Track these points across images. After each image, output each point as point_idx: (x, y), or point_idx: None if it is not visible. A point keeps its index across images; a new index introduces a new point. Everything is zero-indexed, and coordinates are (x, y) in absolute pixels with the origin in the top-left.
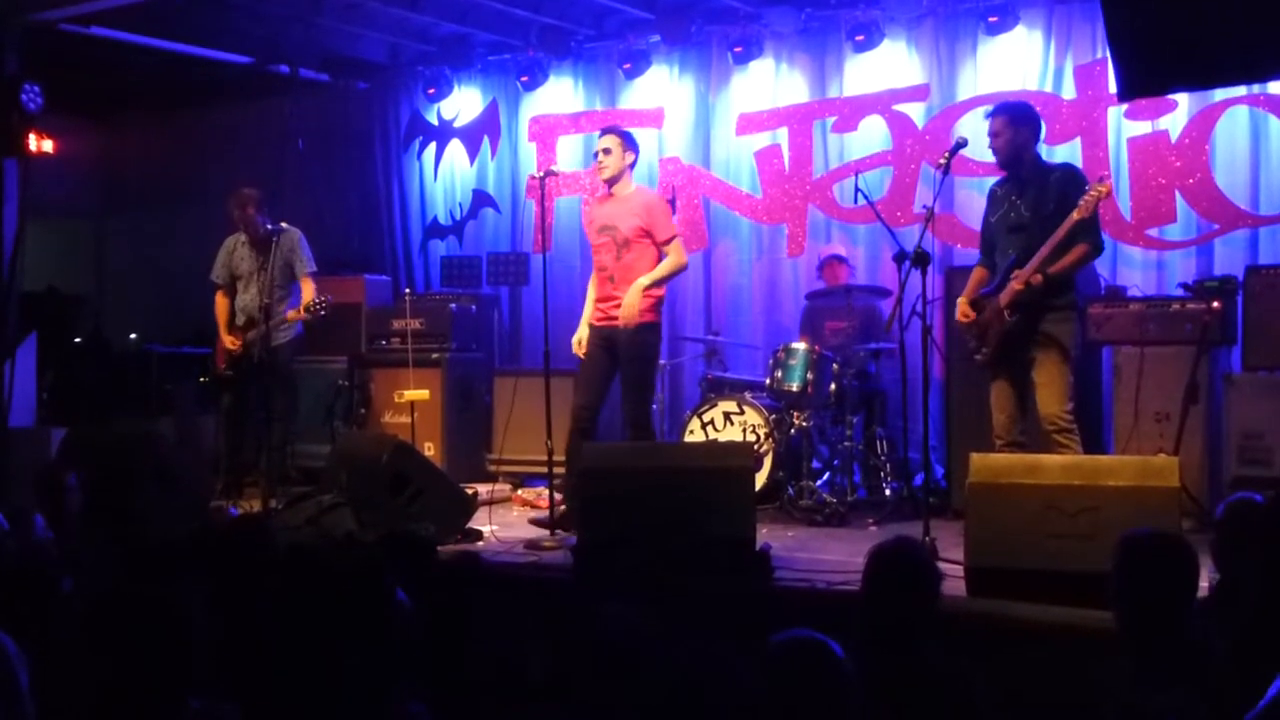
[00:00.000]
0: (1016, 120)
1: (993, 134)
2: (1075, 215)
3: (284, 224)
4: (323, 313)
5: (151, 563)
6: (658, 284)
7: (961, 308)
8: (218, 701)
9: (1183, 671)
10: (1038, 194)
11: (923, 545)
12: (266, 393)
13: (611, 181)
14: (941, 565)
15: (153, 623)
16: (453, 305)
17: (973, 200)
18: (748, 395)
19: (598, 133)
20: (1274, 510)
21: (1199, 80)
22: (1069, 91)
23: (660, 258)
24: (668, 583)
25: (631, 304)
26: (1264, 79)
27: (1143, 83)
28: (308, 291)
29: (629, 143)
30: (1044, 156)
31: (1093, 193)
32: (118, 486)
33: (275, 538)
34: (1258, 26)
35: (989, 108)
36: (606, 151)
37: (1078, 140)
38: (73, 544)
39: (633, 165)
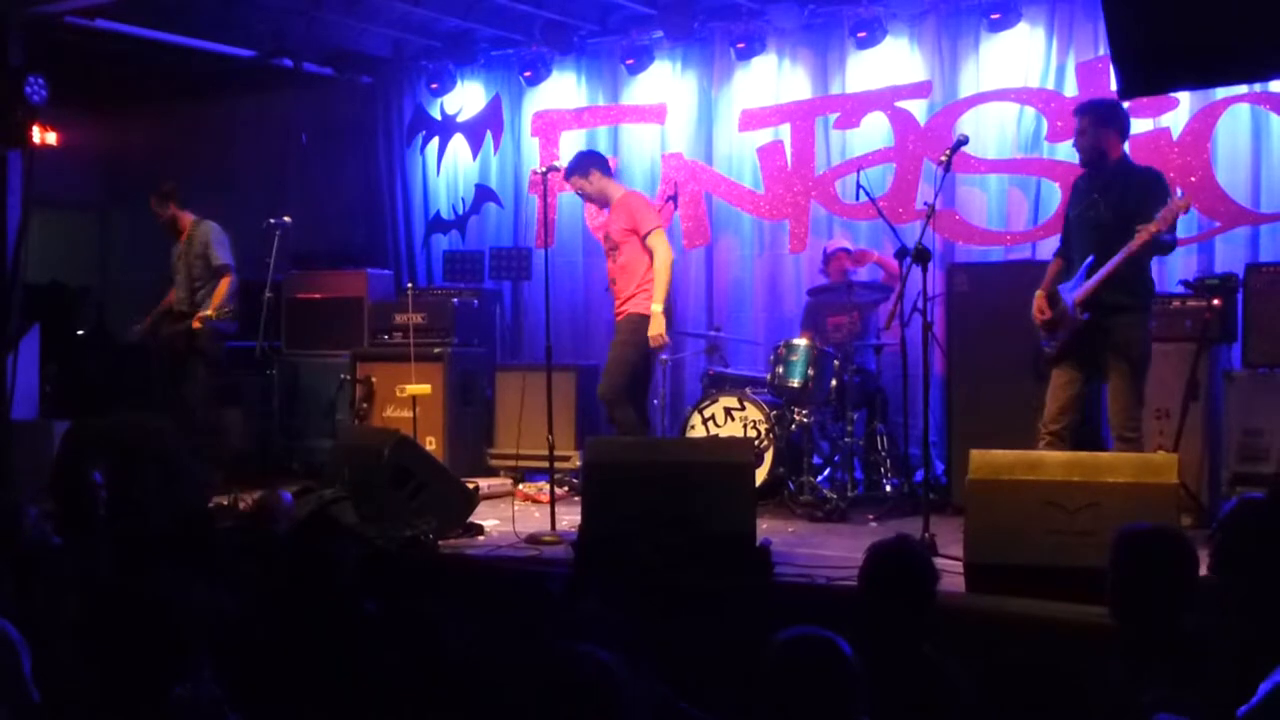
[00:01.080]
0: (1101, 119)
1: (1078, 132)
2: (1152, 229)
3: (201, 220)
4: (229, 316)
5: (146, 554)
6: (662, 295)
7: (1038, 302)
8: (203, 686)
9: (1178, 666)
10: (1121, 195)
11: (920, 543)
12: (178, 375)
13: (605, 203)
14: (941, 561)
15: (140, 615)
16: (455, 300)
17: (974, 197)
18: (749, 391)
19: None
20: (1270, 506)
21: (1200, 79)
22: (1071, 89)
23: (648, 252)
24: (668, 577)
25: (657, 331)
26: (1265, 78)
27: (1143, 82)
28: (221, 288)
29: (589, 166)
30: (1038, 155)
31: (1172, 206)
32: (123, 479)
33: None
34: (1259, 25)
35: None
36: (582, 193)
37: None
38: (95, 540)
39: (610, 172)
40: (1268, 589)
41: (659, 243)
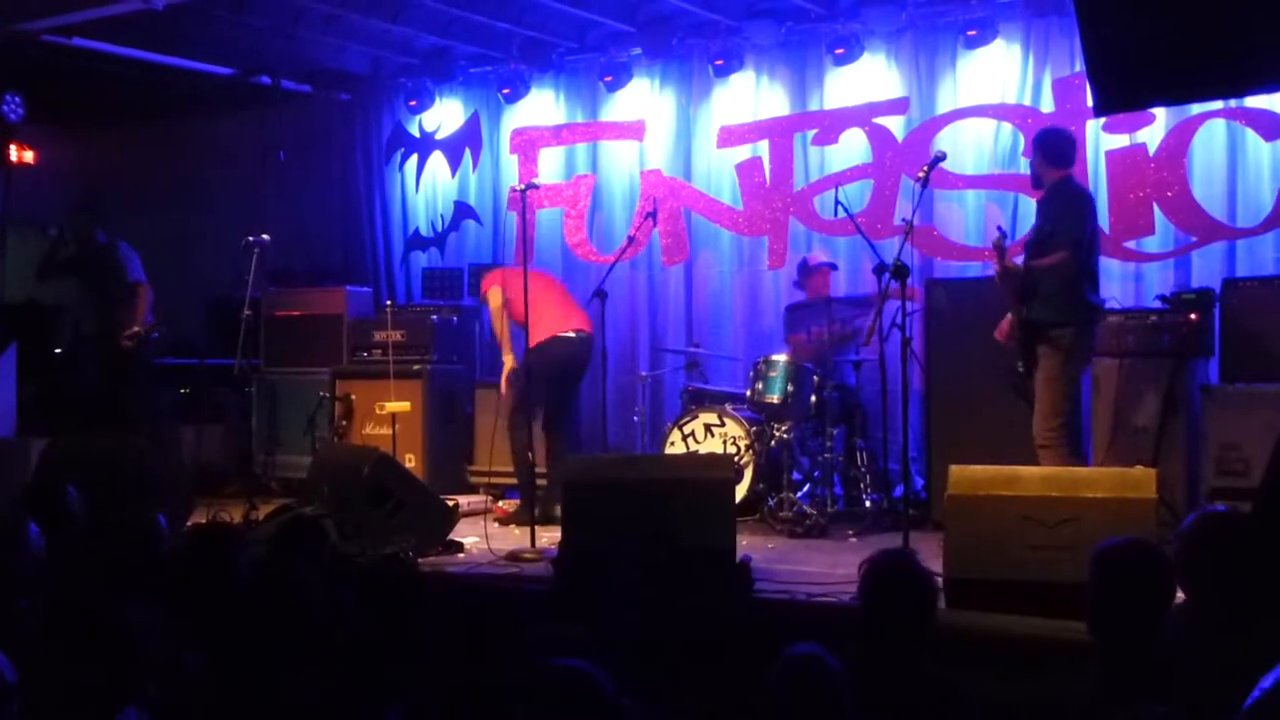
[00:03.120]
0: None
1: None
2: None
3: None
4: (155, 336)
5: (102, 576)
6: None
7: (1004, 326)
8: (146, 711)
9: (1155, 682)
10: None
11: (917, 556)
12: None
13: None
14: None
15: (90, 638)
16: (434, 317)
17: (952, 213)
18: (728, 407)
19: None
20: (1247, 522)
21: (1176, 95)
22: (1047, 105)
23: None
24: (648, 594)
25: None
26: (1241, 93)
27: (1119, 98)
28: (140, 302)
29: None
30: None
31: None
32: (99, 498)
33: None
34: (1233, 41)
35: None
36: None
37: None
38: (73, 558)
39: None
40: (1227, 602)
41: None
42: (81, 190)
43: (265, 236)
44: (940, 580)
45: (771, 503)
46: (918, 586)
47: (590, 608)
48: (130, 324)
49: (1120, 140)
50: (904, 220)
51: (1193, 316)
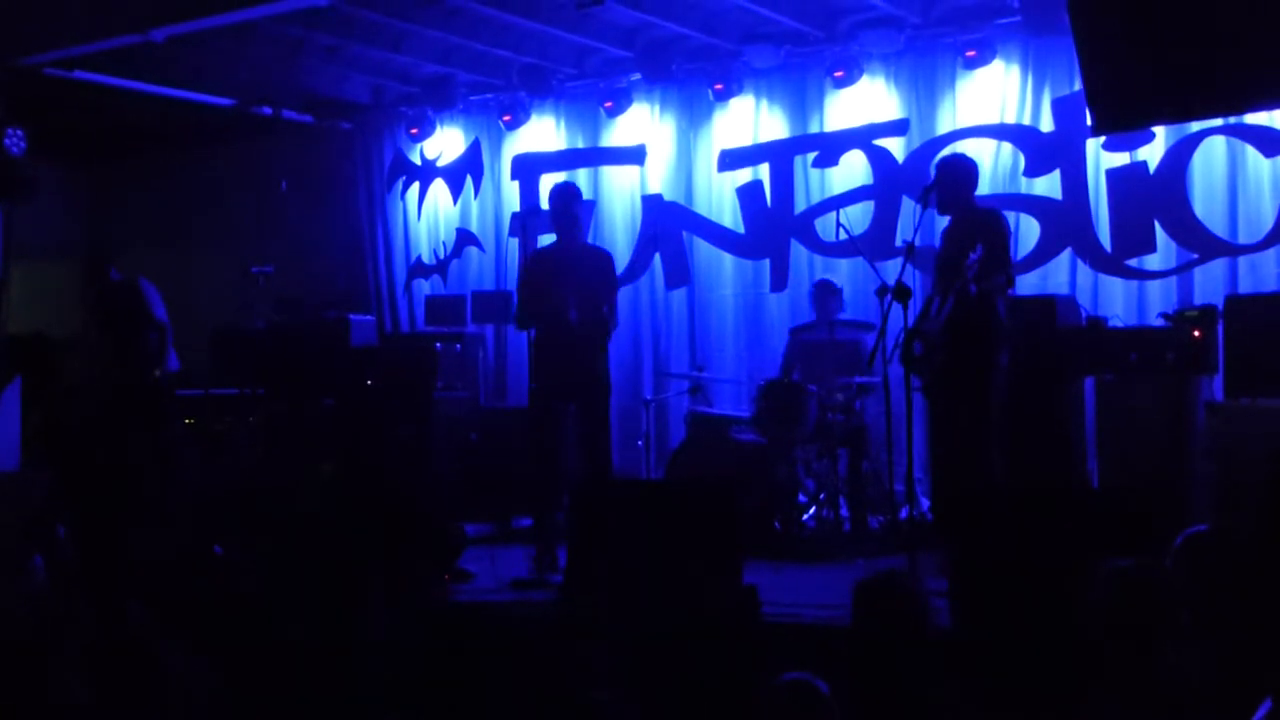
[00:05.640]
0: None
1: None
2: None
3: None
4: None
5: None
6: None
7: None
8: None
9: (1161, 701)
10: None
11: (907, 576)
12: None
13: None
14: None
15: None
16: (437, 344)
17: None
18: (733, 430)
19: None
20: (1244, 540)
21: (1174, 114)
22: (1047, 124)
23: None
24: (655, 619)
25: None
26: (1241, 110)
27: (1118, 117)
28: (162, 344)
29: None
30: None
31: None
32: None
33: None
34: (1231, 59)
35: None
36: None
37: (1057, 172)
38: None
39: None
40: (1220, 621)
41: None
42: (86, 234)
43: (268, 266)
44: (945, 599)
45: (778, 525)
46: (908, 606)
47: (595, 630)
48: (151, 365)
49: (1121, 158)
50: (905, 241)
51: (1196, 333)
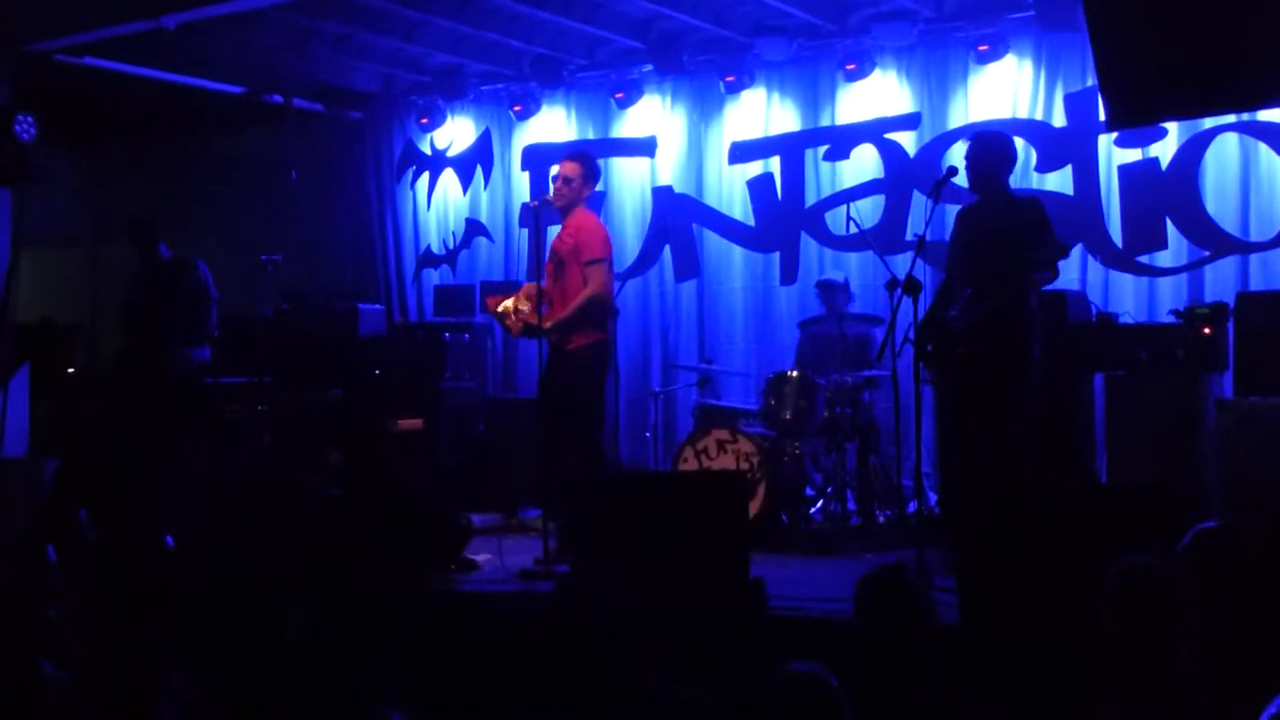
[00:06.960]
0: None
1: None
2: None
3: None
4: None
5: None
6: (565, 324)
7: None
8: None
9: (1170, 698)
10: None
11: (910, 570)
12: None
13: (565, 211)
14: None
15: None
16: (446, 334)
17: None
18: (741, 424)
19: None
20: (1257, 537)
21: (1187, 110)
22: (1059, 119)
23: (584, 280)
24: (662, 611)
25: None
26: (1253, 107)
27: (1131, 112)
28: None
29: (590, 173)
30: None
31: None
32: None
33: None
34: (1245, 55)
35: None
36: (567, 180)
37: (1069, 168)
38: (83, 580)
39: (590, 197)
40: (1230, 619)
41: (593, 277)
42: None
43: (277, 255)
44: (953, 595)
45: (785, 519)
46: (911, 600)
47: (596, 622)
48: (177, 348)
49: (1133, 154)
50: (916, 235)
51: (1207, 330)
